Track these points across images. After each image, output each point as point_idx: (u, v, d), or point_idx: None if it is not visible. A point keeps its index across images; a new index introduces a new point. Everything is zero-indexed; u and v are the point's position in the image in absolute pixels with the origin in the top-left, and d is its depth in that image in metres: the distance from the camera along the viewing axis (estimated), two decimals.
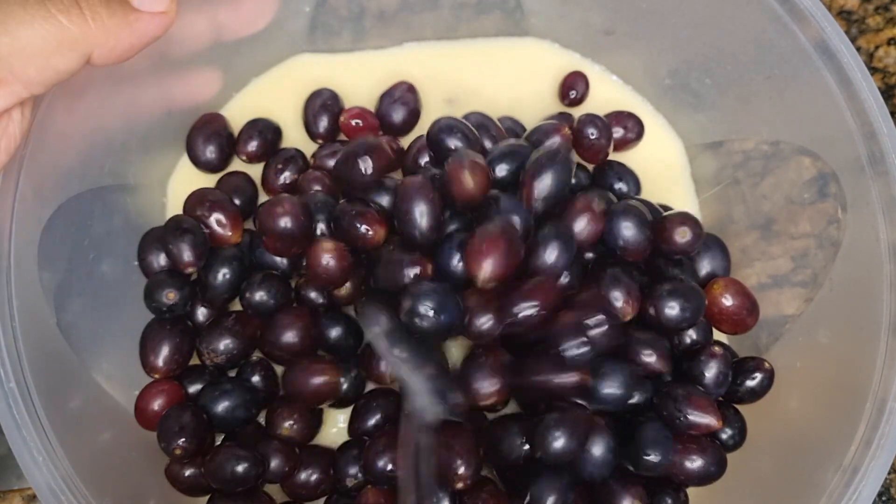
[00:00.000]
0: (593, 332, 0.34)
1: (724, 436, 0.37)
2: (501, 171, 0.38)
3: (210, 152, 0.41)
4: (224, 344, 0.37)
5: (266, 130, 0.42)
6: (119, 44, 0.28)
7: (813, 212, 0.38)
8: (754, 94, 0.40)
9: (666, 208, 0.41)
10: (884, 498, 0.44)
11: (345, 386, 0.37)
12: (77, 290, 0.35)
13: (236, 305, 0.40)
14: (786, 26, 0.36)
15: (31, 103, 0.29)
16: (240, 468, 0.34)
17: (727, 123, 0.43)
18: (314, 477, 0.37)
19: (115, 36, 0.28)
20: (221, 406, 0.36)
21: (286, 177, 0.41)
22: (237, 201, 0.40)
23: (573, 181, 0.38)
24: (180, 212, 0.41)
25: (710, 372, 0.37)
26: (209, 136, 0.41)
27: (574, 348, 0.34)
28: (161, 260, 0.38)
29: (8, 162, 0.30)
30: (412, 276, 0.35)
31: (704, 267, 0.40)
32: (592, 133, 0.41)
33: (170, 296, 0.37)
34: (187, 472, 0.35)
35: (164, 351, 0.37)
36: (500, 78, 0.46)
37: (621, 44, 0.44)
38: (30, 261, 0.32)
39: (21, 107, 0.28)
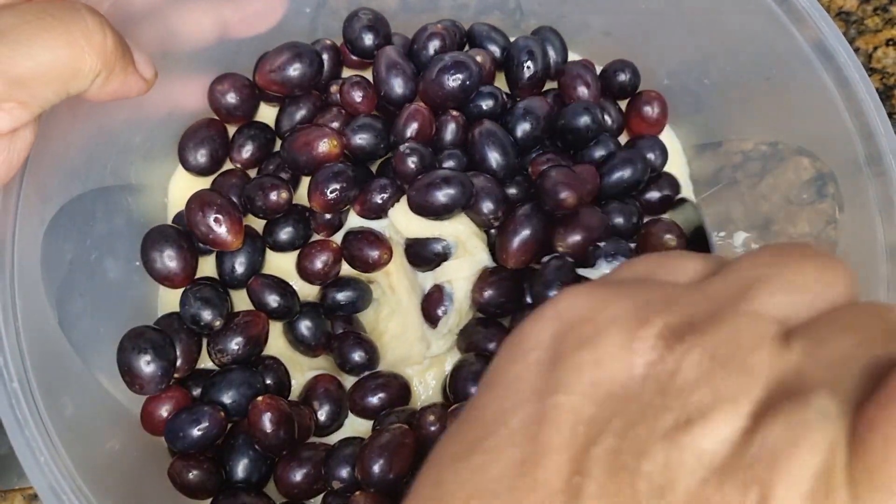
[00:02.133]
0: None
1: None
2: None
3: (201, 156, 0.41)
4: (236, 342, 0.38)
5: (259, 135, 0.42)
6: (111, 85, 0.29)
7: (811, 212, 0.39)
8: (753, 94, 0.41)
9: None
10: None
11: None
12: (79, 290, 0.36)
13: (239, 305, 0.40)
14: (784, 27, 0.36)
15: (39, 118, 0.29)
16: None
17: (726, 124, 0.43)
18: (309, 476, 0.37)
19: (114, 78, 0.29)
20: (228, 395, 0.36)
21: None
22: (234, 199, 0.40)
23: None
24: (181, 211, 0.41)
25: None
26: (200, 141, 0.40)
27: None
28: (165, 259, 0.38)
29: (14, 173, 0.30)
30: None
31: None
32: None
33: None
34: (190, 475, 0.35)
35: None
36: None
37: (620, 44, 0.44)
38: (33, 261, 0.32)
39: (31, 122, 0.29)
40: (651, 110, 0.43)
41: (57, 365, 0.33)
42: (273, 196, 0.38)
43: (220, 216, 0.37)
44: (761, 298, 0.18)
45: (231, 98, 0.41)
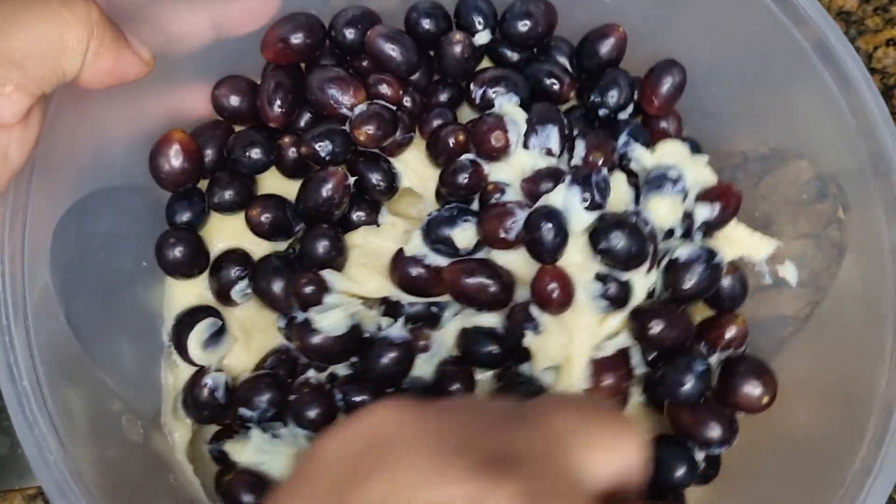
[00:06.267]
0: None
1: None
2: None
3: (208, 158, 0.40)
4: None
5: (265, 136, 0.41)
6: (104, 61, 0.29)
7: (811, 212, 0.39)
8: (759, 101, 0.41)
9: None
10: None
11: None
12: (88, 290, 0.36)
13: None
14: (792, 36, 0.36)
15: (45, 101, 0.30)
16: None
17: (732, 131, 0.43)
18: None
19: (106, 52, 0.29)
20: None
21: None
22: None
23: None
24: None
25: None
26: (205, 142, 0.40)
27: None
28: (177, 254, 0.38)
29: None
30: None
31: None
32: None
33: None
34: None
35: None
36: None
37: (627, 51, 0.44)
38: (42, 261, 0.32)
39: (38, 105, 0.29)
40: (668, 125, 0.42)
41: (66, 364, 0.33)
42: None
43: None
44: (571, 457, 0.19)
45: (233, 100, 0.41)
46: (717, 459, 0.38)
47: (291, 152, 0.40)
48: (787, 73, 0.38)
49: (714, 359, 0.38)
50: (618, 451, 0.20)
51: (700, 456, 0.37)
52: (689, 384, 0.35)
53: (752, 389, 0.36)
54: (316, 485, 0.19)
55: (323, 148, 0.38)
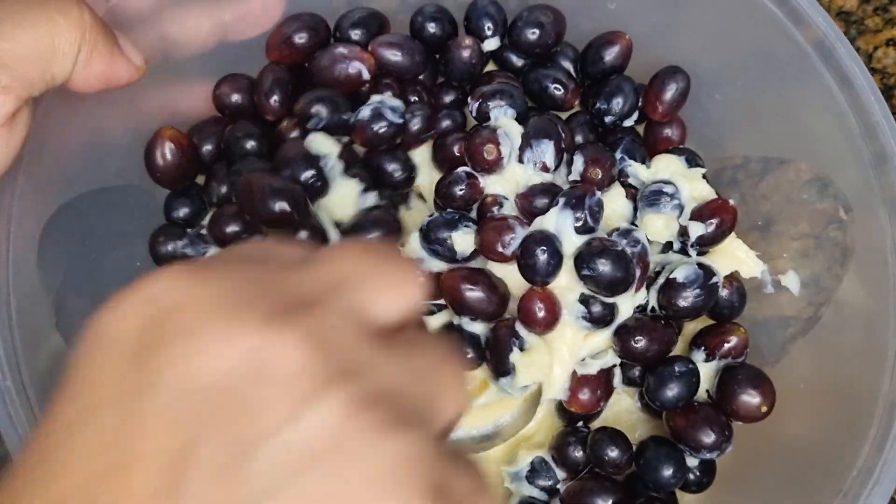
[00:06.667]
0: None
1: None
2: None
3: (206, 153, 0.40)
4: None
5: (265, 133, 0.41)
6: (96, 65, 0.29)
7: (812, 212, 0.38)
8: (761, 103, 0.40)
9: None
10: None
11: None
12: (77, 291, 0.35)
13: None
14: (793, 38, 0.36)
15: (33, 104, 0.30)
16: None
17: (734, 133, 0.42)
18: None
19: (98, 57, 0.29)
20: None
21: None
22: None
23: None
24: None
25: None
26: (204, 138, 0.40)
27: None
28: (170, 247, 0.38)
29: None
30: None
31: None
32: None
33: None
34: None
35: None
36: None
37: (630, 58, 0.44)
38: (29, 260, 0.32)
39: (25, 107, 0.29)
40: (672, 132, 0.42)
41: (53, 364, 0.32)
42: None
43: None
44: (358, 295, 0.19)
45: (235, 98, 0.40)
46: (712, 466, 0.38)
47: (293, 136, 0.39)
48: (789, 74, 0.38)
49: (713, 365, 0.38)
50: (401, 290, 0.20)
51: (694, 462, 0.37)
52: (673, 389, 0.36)
53: (751, 398, 0.36)
54: (92, 377, 0.18)
55: (317, 113, 0.37)
